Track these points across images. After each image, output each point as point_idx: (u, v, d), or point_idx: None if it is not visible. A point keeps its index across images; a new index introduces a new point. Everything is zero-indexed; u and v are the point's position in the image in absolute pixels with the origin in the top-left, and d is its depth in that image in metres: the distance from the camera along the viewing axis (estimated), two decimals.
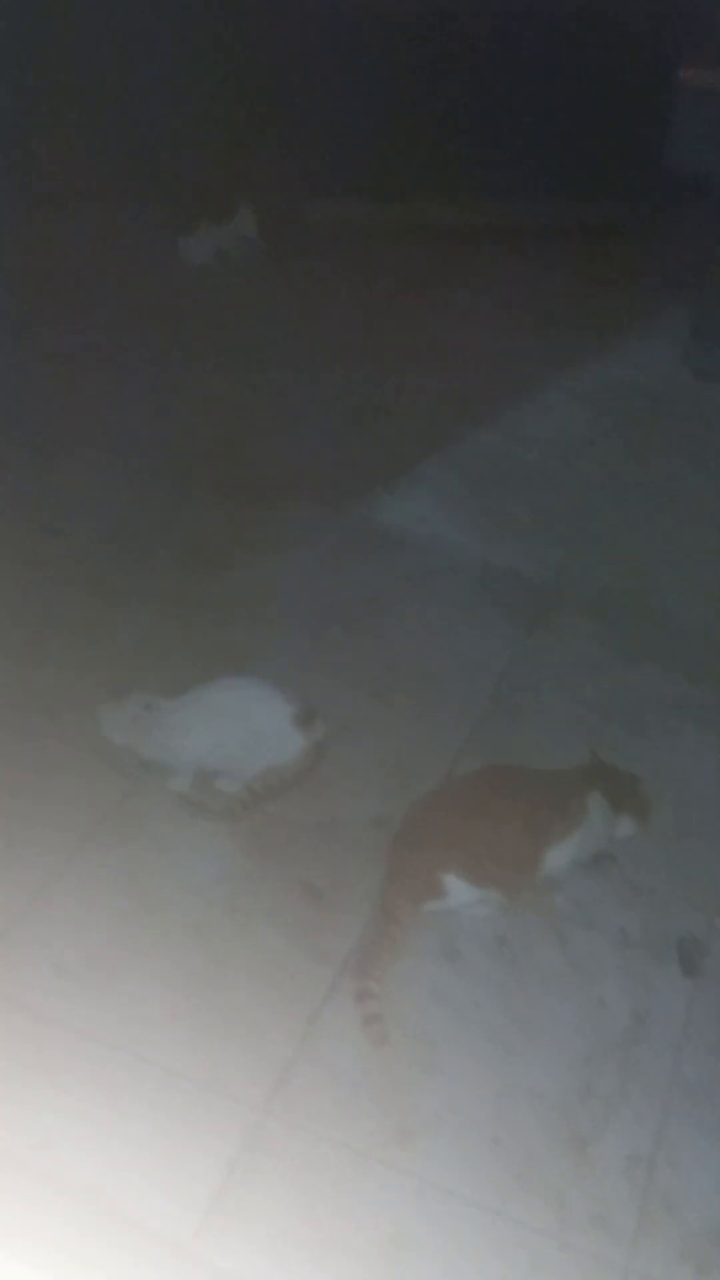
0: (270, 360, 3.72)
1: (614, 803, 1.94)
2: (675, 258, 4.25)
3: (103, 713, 2.13)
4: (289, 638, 2.53)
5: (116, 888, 1.93)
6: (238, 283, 4.29)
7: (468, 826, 1.85)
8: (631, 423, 3.50)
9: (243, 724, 2.10)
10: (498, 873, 1.84)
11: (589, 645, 2.58)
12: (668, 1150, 1.60)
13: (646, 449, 3.37)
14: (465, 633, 2.61)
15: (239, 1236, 1.48)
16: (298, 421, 3.43)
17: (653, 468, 3.28)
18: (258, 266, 4.40)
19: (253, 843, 2.03)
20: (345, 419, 3.43)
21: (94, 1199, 1.50)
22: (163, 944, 1.84)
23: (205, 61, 4.40)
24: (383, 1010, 1.71)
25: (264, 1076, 1.66)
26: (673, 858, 2.03)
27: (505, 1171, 1.57)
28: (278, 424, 3.40)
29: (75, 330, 3.79)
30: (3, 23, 4.09)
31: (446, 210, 4.61)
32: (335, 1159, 1.57)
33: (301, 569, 2.78)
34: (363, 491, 3.08)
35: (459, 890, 1.83)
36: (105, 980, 1.77)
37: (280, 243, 4.46)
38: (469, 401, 3.56)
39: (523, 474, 3.22)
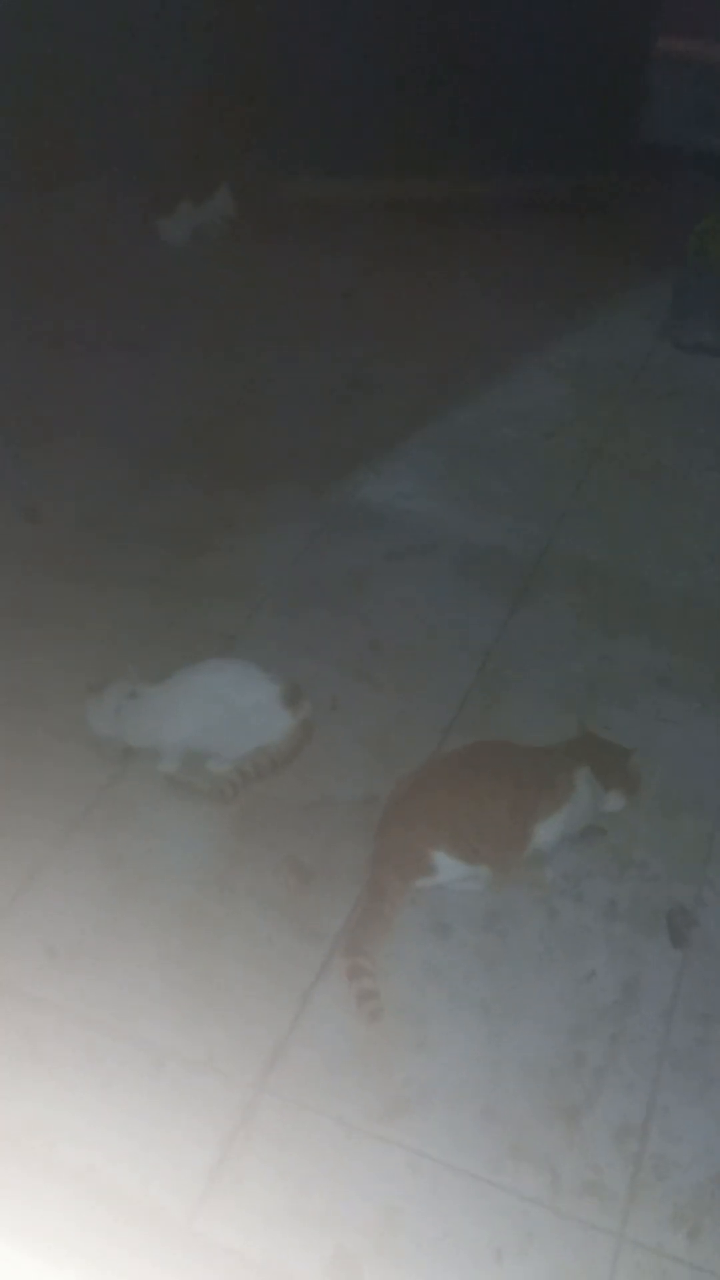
0: (250, 339, 3.70)
1: (603, 777, 1.95)
2: (654, 230, 4.25)
3: (87, 706, 2.12)
4: (272, 618, 2.53)
5: (106, 871, 1.93)
6: (217, 262, 4.26)
7: (456, 803, 1.86)
8: (613, 396, 3.49)
9: (229, 705, 2.10)
10: (486, 849, 1.85)
11: (573, 620, 2.59)
12: (659, 1118, 1.61)
13: (628, 423, 3.37)
14: (449, 610, 2.61)
15: (236, 1213, 1.49)
16: (279, 401, 3.41)
17: (634, 441, 3.28)
18: (236, 245, 4.36)
19: (241, 823, 2.04)
20: (326, 397, 3.42)
21: (89, 1178, 1.51)
22: (153, 926, 1.84)
23: (182, 40, 4.36)
24: (376, 986, 1.71)
25: (257, 1054, 1.67)
26: (660, 831, 2.04)
27: (498, 1142, 1.59)
28: (258, 404, 3.39)
29: (53, 312, 3.76)
30: None
31: (425, 186, 4.58)
32: (330, 1134, 1.58)
33: (284, 549, 2.77)
34: (344, 470, 3.07)
35: (448, 867, 1.84)
36: (97, 962, 1.78)
37: (258, 221, 4.43)
38: (450, 378, 3.55)
39: (505, 450, 3.21)
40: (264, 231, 4.38)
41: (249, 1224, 1.48)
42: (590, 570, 2.76)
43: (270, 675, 2.13)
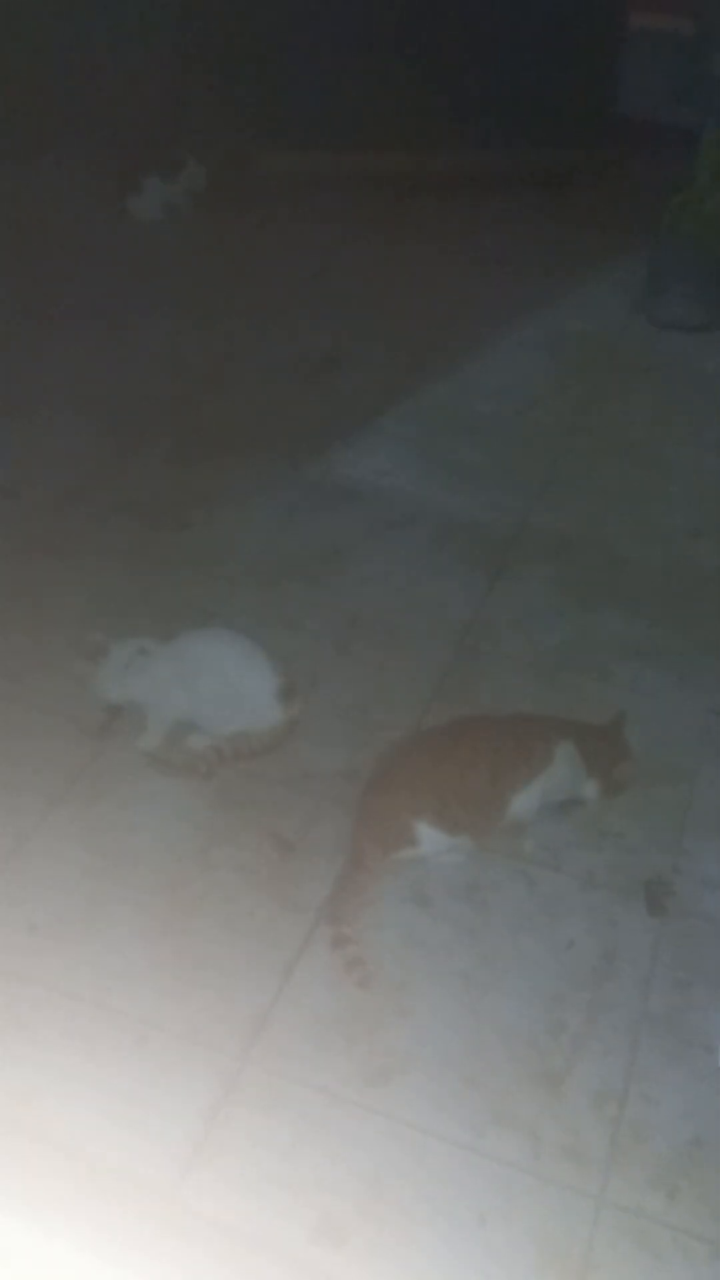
0: (223, 315, 3.68)
1: (588, 761, 1.95)
2: (628, 205, 4.24)
3: (96, 664, 2.11)
4: (249, 592, 2.52)
5: (88, 846, 1.93)
6: (189, 236, 4.22)
7: (437, 774, 1.87)
8: (587, 371, 3.49)
9: (228, 682, 2.09)
10: (466, 819, 1.86)
11: (550, 593, 2.60)
12: (637, 1083, 1.64)
13: (603, 397, 3.37)
14: (427, 584, 2.61)
15: (221, 1182, 1.51)
16: (253, 376, 3.39)
17: (609, 415, 3.29)
18: (209, 220, 4.32)
19: (222, 798, 2.04)
20: (300, 372, 3.41)
21: (76, 1150, 1.52)
22: (136, 900, 1.84)
23: (152, 11, 4.29)
24: (363, 953, 1.73)
25: (241, 1025, 1.68)
26: (638, 802, 2.06)
27: (479, 1108, 1.61)
28: (232, 379, 3.37)
29: (23, 286, 3.71)
30: None
31: (398, 160, 4.54)
32: (313, 1103, 1.60)
33: (260, 523, 2.77)
34: (321, 445, 3.06)
35: (431, 838, 1.85)
36: (80, 937, 1.78)
37: (231, 195, 4.38)
38: (424, 352, 3.53)
39: (480, 424, 3.21)
40: (236, 205, 4.34)
41: (234, 1193, 1.50)
42: (567, 544, 2.77)
43: (272, 665, 2.11)
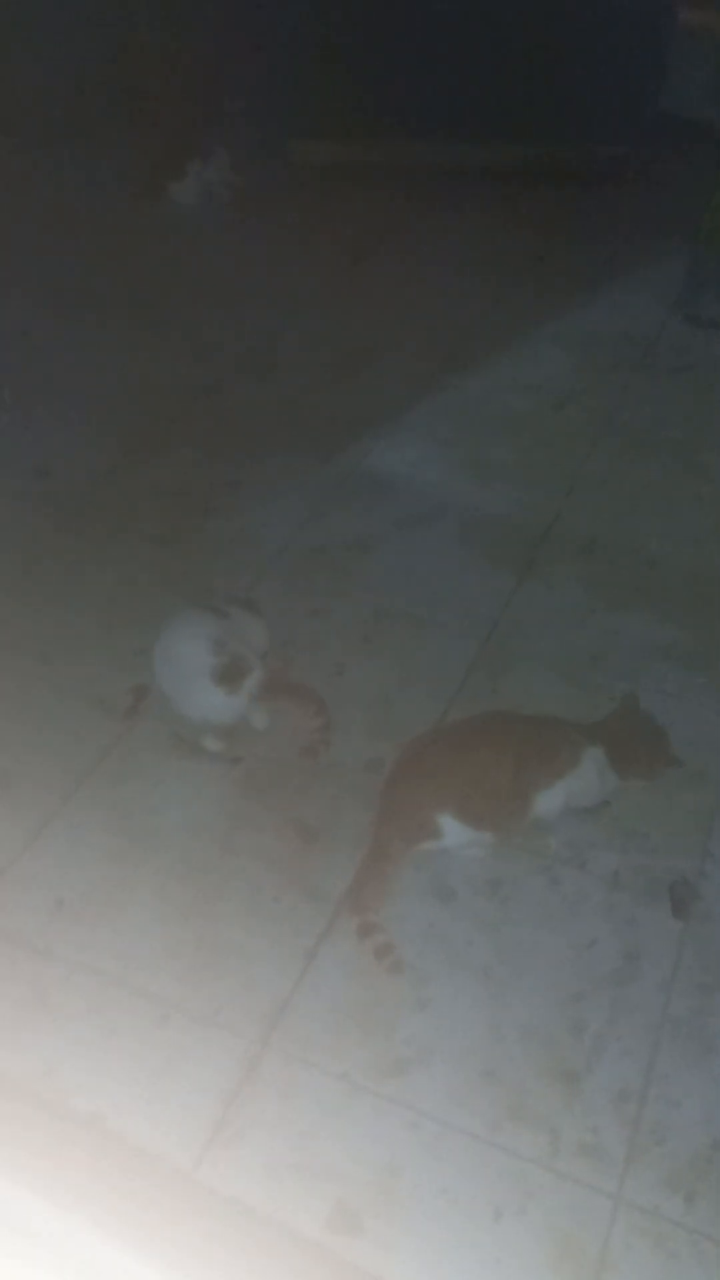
0: (257, 303, 3.68)
1: (620, 764, 1.94)
2: (669, 203, 4.22)
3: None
4: (276, 581, 2.52)
5: (113, 826, 1.93)
6: (224, 226, 4.21)
7: (462, 768, 1.87)
8: (622, 369, 3.48)
9: (177, 665, 2.04)
10: (489, 814, 1.86)
11: (578, 592, 2.59)
12: (658, 1084, 1.63)
13: (637, 396, 3.35)
14: (454, 579, 2.61)
15: (238, 1164, 1.51)
16: (286, 365, 3.39)
17: (643, 415, 3.27)
18: (245, 208, 4.32)
19: (246, 784, 2.04)
20: (333, 363, 3.40)
21: (96, 1128, 1.52)
22: (159, 881, 1.85)
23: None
24: (391, 940, 1.74)
25: (261, 1010, 1.68)
26: (664, 803, 2.05)
27: (497, 1103, 1.61)
28: (266, 367, 3.37)
29: (59, 271, 3.72)
30: None
31: (436, 151, 4.53)
32: (331, 1090, 1.60)
33: (290, 513, 2.76)
34: (351, 437, 3.06)
35: (454, 831, 1.85)
36: (103, 915, 1.79)
37: (268, 184, 4.38)
38: (458, 347, 3.52)
39: (512, 420, 3.20)
40: (274, 195, 4.34)
41: (251, 1176, 1.50)
42: (596, 543, 2.76)
43: (216, 645, 2.00)
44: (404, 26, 4.30)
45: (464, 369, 3.42)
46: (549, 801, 1.90)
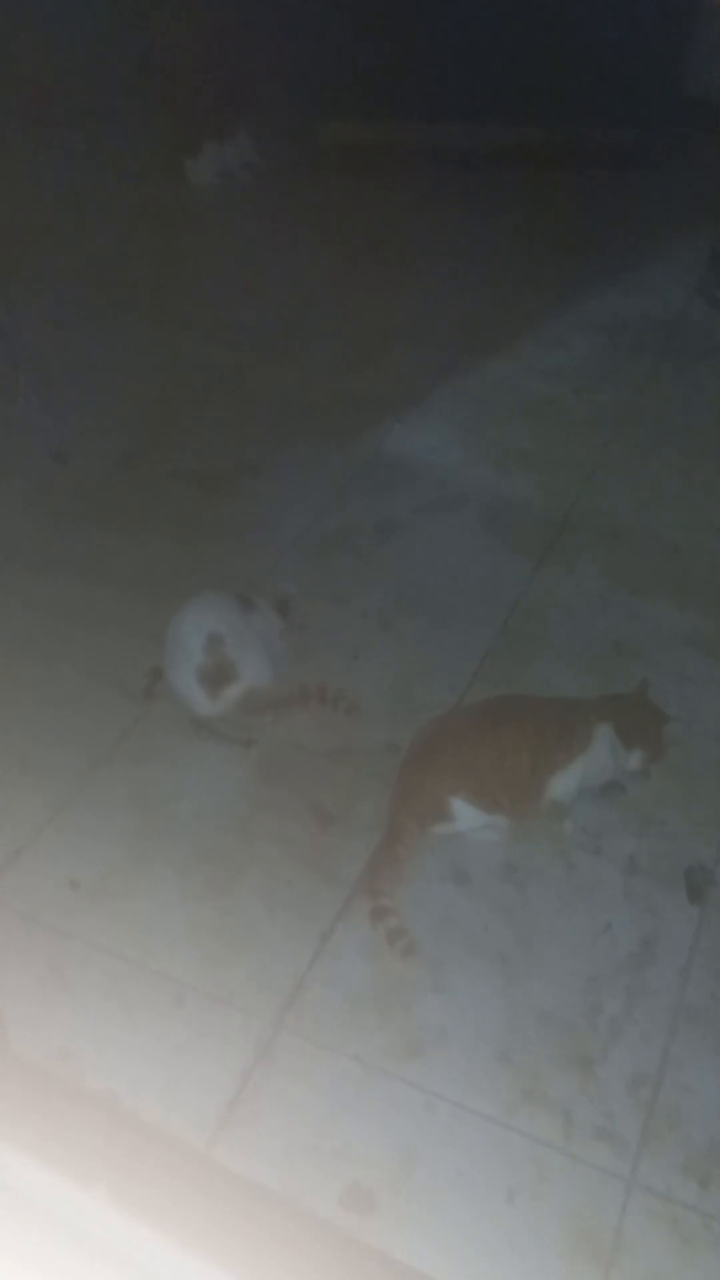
0: (279, 285, 3.67)
1: (626, 736, 1.94)
2: (694, 186, 4.18)
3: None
4: (297, 565, 2.53)
5: (130, 808, 1.94)
6: (247, 205, 4.21)
7: (477, 752, 1.86)
8: (645, 354, 3.45)
9: (176, 656, 2.06)
10: (504, 797, 1.86)
11: (598, 577, 2.58)
12: (673, 1070, 1.63)
13: (660, 381, 3.33)
14: (475, 564, 2.60)
15: (253, 1144, 1.52)
16: (307, 348, 3.38)
17: (666, 400, 3.25)
18: (267, 189, 4.31)
19: (264, 768, 2.05)
20: (355, 346, 3.39)
21: (111, 1106, 1.53)
22: (176, 863, 1.86)
23: None
24: (404, 924, 1.74)
25: (276, 992, 1.69)
26: (682, 789, 2.04)
27: (512, 1087, 1.60)
28: (286, 350, 3.36)
29: (80, 251, 3.72)
30: None
31: (460, 133, 4.50)
32: (346, 1072, 1.60)
33: (310, 497, 2.76)
34: (373, 420, 3.06)
35: (466, 814, 1.85)
36: (119, 897, 1.80)
37: (291, 165, 4.37)
38: (480, 330, 3.51)
39: (535, 405, 3.19)
40: (296, 177, 4.33)
41: (266, 1156, 1.51)
42: (618, 529, 2.74)
43: (210, 643, 2.01)
44: (430, 7, 4.27)
45: (485, 354, 3.41)
46: (564, 784, 1.90)
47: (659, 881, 1.89)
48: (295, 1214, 1.44)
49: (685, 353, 3.48)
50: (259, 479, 2.80)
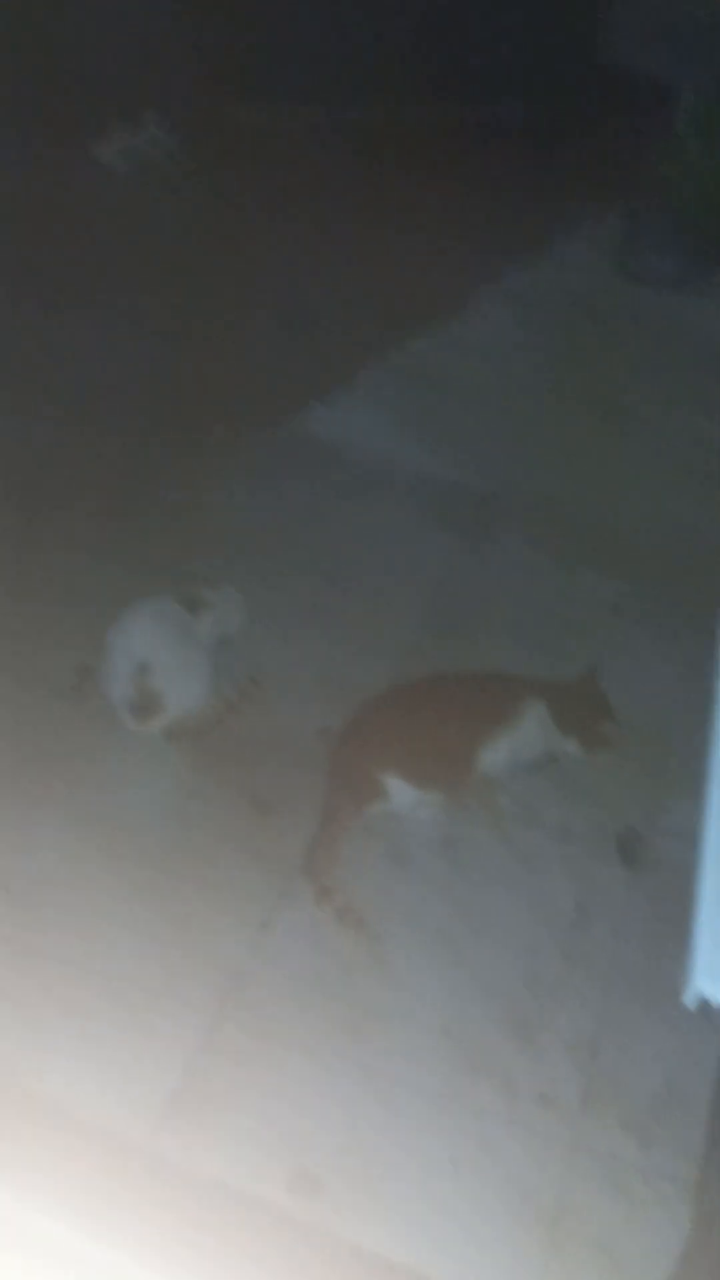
0: (192, 272, 3.62)
1: (562, 721, 1.96)
2: (608, 158, 4.19)
3: None
4: (227, 552, 2.50)
5: (61, 806, 1.92)
6: (155, 190, 4.14)
7: (406, 729, 1.88)
8: (565, 328, 3.47)
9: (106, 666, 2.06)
10: (436, 773, 1.87)
11: (528, 552, 2.59)
12: (610, 1031, 1.66)
13: (581, 354, 3.34)
14: (404, 543, 2.60)
15: (197, 1135, 1.52)
16: (226, 334, 3.35)
17: (587, 373, 3.26)
18: (175, 172, 4.24)
19: (197, 758, 2.04)
20: (274, 331, 3.36)
21: (52, 1106, 1.52)
22: (110, 859, 1.84)
23: None
24: (350, 901, 1.75)
25: (217, 981, 1.69)
26: (613, 756, 2.06)
27: (455, 1060, 1.62)
28: (203, 338, 3.32)
29: None
30: None
31: (368, 112, 4.47)
32: (289, 1056, 1.61)
33: (237, 484, 2.74)
34: (296, 404, 3.03)
35: (400, 791, 1.86)
36: (54, 898, 1.78)
37: (198, 147, 4.30)
38: (401, 309, 3.49)
39: (458, 382, 3.19)
40: (205, 158, 4.26)
41: (211, 1146, 1.51)
42: (545, 503, 2.75)
43: (135, 672, 1.98)
44: None
45: (408, 331, 3.40)
46: (494, 758, 1.91)
47: (592, 848, 1.92)
48: (242, 1203, 1.45)
49: (605, 325, 3.49)
50: (182, 467, 2.77)
